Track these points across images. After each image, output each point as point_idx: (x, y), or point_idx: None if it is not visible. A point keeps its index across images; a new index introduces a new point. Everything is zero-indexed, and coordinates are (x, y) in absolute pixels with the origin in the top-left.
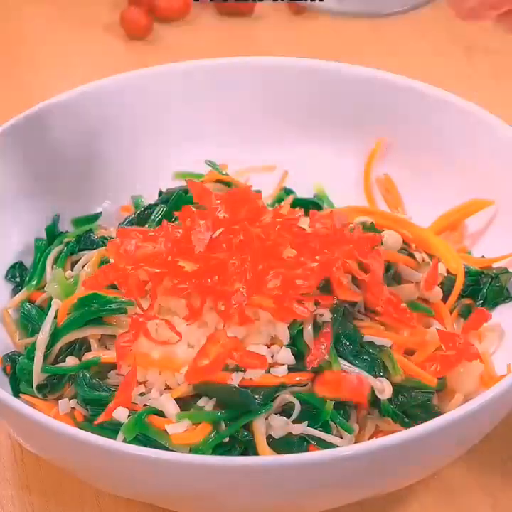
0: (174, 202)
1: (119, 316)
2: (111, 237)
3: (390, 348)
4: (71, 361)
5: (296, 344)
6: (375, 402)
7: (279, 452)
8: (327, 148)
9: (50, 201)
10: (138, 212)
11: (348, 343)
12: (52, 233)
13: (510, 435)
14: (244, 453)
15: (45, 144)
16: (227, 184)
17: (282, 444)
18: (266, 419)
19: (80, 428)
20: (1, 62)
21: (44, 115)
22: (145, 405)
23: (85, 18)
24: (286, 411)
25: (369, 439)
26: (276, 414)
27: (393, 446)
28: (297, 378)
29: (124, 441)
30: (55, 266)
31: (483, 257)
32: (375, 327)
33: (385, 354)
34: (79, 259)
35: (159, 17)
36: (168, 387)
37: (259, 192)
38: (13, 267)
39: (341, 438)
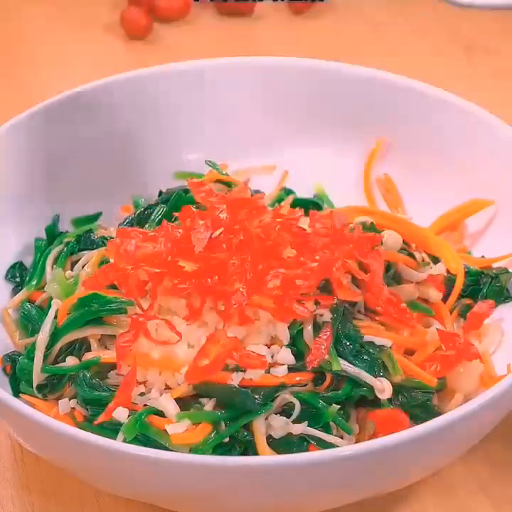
0: (174, 202)
1: (119, 316)
2: (111, 237)
3: (390, 348)
4: (71, 361)
5: (296, 344)
6: (375, 402)
7: (279, 452)
8: (327, 148)
9: (50, 201)
10: (138, 212)
11: (348, 343)
12: (52, 233)
13: (511, 435)
14: (244, 453)
15: (45, 143)
16: (228, 184)
17: (282, 444)
18: (266, 419)
19: (80, 428)
20: (1, 62)
21: (44, 115)
22: (145, 405)
23: (85, 18)
24: (286, 411)
25: (369, 439)
26: (276, 414)
27: (393, 446)
28: (297, 378)
29: (124, 441)
30: (55, 266)
31: (483, 257)
32: (375, 327)
33: (385, 354)
34: (79, 259)
35: (159, 17)
36: (168, 387)
37: (259, 192)
38: (13, 266)
39: (341, 438)
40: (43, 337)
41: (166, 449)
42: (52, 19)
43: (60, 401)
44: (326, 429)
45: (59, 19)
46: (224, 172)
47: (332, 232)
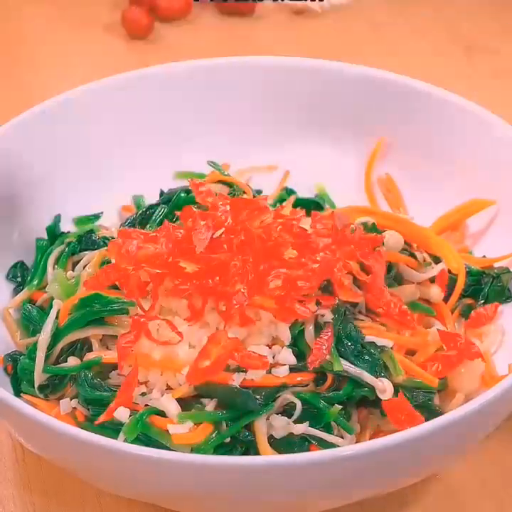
0: (176, 202)
1: (121, 317)
2: (112, 238)
3: (392, 348)
4: (72, 361)
5: (298, 344)
6: (376, 402)
7: (280, 452)
8: (328, 148)
9: (51, 201)
10: (139, 212)
11: (349, 344)
12: (54, 233)
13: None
14: (245, 453)
15: (46, 142)
16: (229, 184)
17: (283, 444)
18: (267, 419)
19: (82, 428)
20: (1, 62)
21: (45, 114)
22: (146, 405)
23: (85, 18)
24: (287, 411)
25: (370, 439)
26: (277, 414)
27: (394, 446)
28: (298, 378)
29: (126, 441)
30: (56, 266)
31: (484, 256)
32: (376, 327)
33: (387, 354)
34: (80, 260)
35: (160, 17)
36: (169, 388)
37: (260, 192)
38: (14, 266)
39: (342, 438)
40: (44, 337)
41: (168, 449)
42: (52, 19)
43: (61, 401)
44: (327, 429)
45: (59, 19)
46: (226, 172)
47: (333, 232)
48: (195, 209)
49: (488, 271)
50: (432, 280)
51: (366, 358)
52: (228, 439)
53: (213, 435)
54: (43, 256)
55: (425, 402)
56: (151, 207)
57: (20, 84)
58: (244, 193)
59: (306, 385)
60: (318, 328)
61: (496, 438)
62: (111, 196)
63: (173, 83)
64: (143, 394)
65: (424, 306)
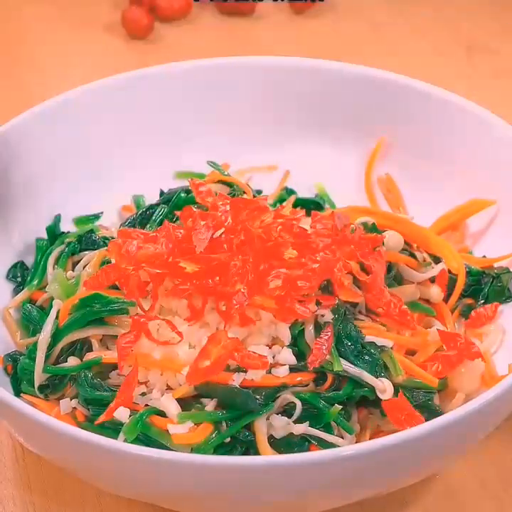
0: (175, 202)
1: (121, 317)
2: (112, 238)
3: (392, 348)
4: (72, 361)
5: (298, 344)
6: (376, 402)
7: (280, 452)
8: (328, 148)
9: (51, 201)
10: (139, 212)
11: (349, 344)
12: (54, 233)
13: None
14: (245, 453)
15: (46, 142)
16: (229, 184)
17: (284, 444)
18: (267, 419)
19: (82, 428)
20: (1, 62)
21: (45, 114)
22: (146, 405)
23: (85, 18)
24: (287, 411)
25: (370, 439)
26: (277, 414)
27: (394, 446)
28: (298, 378)
29: (126, 441)
30: (56, 266)
31: (484, 256)
32: (376, 327)
33: (387, 354)
34: (80, 260)
35: (160, 16)
36: (169, 388)
37: (260, 192)
38: (14, 266)
39: (342, 438)
40: (44, 337)
41: (168, 449)
42: (52, 19)
43: (61, 401)
44: (327, 429)
45: (59, 19)
46: (226, 172)
47: (333, 232)
48: (195, 209)
49: (488, 271)
50: (432, 280)
51: (366, 358)
52: (228, 439)
53: (213, 435)
54: (43, 256)
55: (425, 402)
56: (151, 207)
57: (20, 84)
58: (244, 193)
59: (306, 385)
60: (318, 328)
61: (496, 438)
62: (111, 196)
63: (173, 83)
64: (143, 394)
65: (424, 306)
